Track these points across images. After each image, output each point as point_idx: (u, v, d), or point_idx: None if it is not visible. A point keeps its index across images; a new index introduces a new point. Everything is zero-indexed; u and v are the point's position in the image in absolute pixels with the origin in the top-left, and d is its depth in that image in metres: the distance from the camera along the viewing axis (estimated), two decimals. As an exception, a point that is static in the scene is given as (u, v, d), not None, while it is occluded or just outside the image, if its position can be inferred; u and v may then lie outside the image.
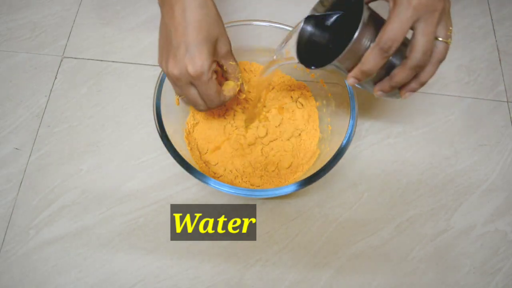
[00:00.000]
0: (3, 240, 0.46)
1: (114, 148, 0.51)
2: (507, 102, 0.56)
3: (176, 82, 0.37)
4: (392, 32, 0.31)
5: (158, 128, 0.40)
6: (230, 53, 0.39)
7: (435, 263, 0.46)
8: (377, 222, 0.48)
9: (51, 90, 0.54)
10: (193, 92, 0.38)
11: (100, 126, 0.52)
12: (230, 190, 0.38)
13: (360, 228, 0.48)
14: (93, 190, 0.48)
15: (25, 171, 0.49)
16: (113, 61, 0.56)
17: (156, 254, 0.46)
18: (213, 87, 0.37)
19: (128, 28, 0.59)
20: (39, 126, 0.52)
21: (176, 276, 0.45)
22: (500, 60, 0.59)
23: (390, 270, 0.46)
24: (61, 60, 0.56)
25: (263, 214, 0.48)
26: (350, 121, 0.41)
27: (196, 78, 0.36)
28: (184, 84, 0.37)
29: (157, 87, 0.42)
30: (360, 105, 0.54)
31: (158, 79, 0.43)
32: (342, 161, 0.50)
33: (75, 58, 0.56)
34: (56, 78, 0.55)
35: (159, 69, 0.55)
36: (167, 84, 0.43)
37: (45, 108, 0.53)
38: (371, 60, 0.32)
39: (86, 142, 0.51)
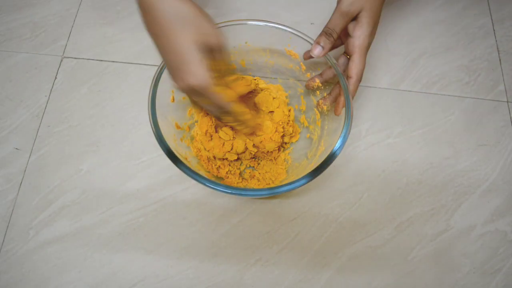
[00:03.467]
0: (3, 240, 0.46)
1: (114, 148, 0.51)
2: (507, 102, 0.56)
3: (189, 96, 0.37)
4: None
5: (153, 127, 0.40)
6: (222, 45, 0.36)
7: (435, 263, 0.46)
8: (377, 222, 0.48)
9: (51, 90, 0.54)
10: (209, 103, 0.37)
11: (100, 126, 0.52)
12: (227, 190, 0.38)
13: (360, 228, 0.48)
14: (93, 190, 0.48)
15: (25, 171, 0.49)
16: (113, 61, 0.56)
17: (156, 254, 0.46)
18: (222, 96, 0.36)
19: (128, 28, 0.59)
20: (39, 126, 0.52)
21: (176, 276, 0.45)
22: (500, 60, 0.59)
23: (390, 270, 0.46)
24: (61, 60, 0.56)
25: (263, 214, 0.48)
26: (346, 120, 0.41)
27: (202, 92, 0.34)
28: (198, 98, 0.36)
29: (152, 87, 0.42)
30: (360, 105, 0.55)
31: (154, 78, 0.42)
32: (342, 161, 0.51)
33: (75, 58, 0.56)
34: (56, 78, 0.55)
35: (159, 69, 0.55)
36: (163, 83, 0.43)
37: (45, 108, 0.53)
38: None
39: (86, 142, 0.51)
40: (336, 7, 0.43)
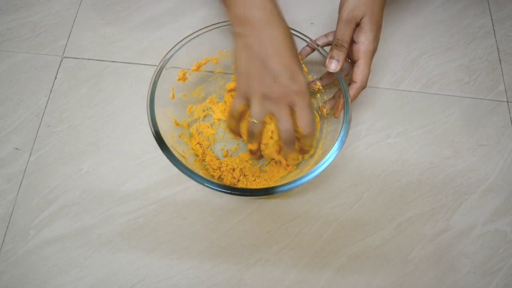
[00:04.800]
0: (3, 240, 0.46)
1: (114, 148, 0.51)
2: (507, 102, 0.56)
3: (278, 100, 0.39)
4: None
5: (152, 129, 0.40)
6: None
7: (435, 263, 0.46)
8: (377, 222, 0.48)
9: (51, 90, 0.54)
10: (288, 114, 0.40)
11: (100, 126, 0.52)
12: (226, 191, 0.38)
13: (360, 228, 0.48)
14: (93, 190, 0.48)
15: (25, 171, 0.49)
16: (113, 61, 0.56)
17: (156, 254, 0.46)
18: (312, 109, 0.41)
19: (128, 28, 0.59)
20: (39, 126, 0.52)
21: (176, 276, 0.45)
22: (500, 60, 0.59)
23: (390, 270, 0.46)
24: (61, 60, 0.56)
25: (263, 214, 0.48)
26: (343, 124, 0.41)
27: (301, 93, 0.39)
28: (284, 103, 0.40)
29: (150, 88, 0.42)
30: (360, 105, 0.55)
31: (152, 78, 0.42)
32: (342, 161, 0.51)
33: (75, 58, 0.56)
34: (56, 78, 0.55)
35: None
36: (163, 80, 0.43)
37: (45, 108, 0.53)
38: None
39: (86, 142, 0.51)
40: (338, 17, 0.43)
